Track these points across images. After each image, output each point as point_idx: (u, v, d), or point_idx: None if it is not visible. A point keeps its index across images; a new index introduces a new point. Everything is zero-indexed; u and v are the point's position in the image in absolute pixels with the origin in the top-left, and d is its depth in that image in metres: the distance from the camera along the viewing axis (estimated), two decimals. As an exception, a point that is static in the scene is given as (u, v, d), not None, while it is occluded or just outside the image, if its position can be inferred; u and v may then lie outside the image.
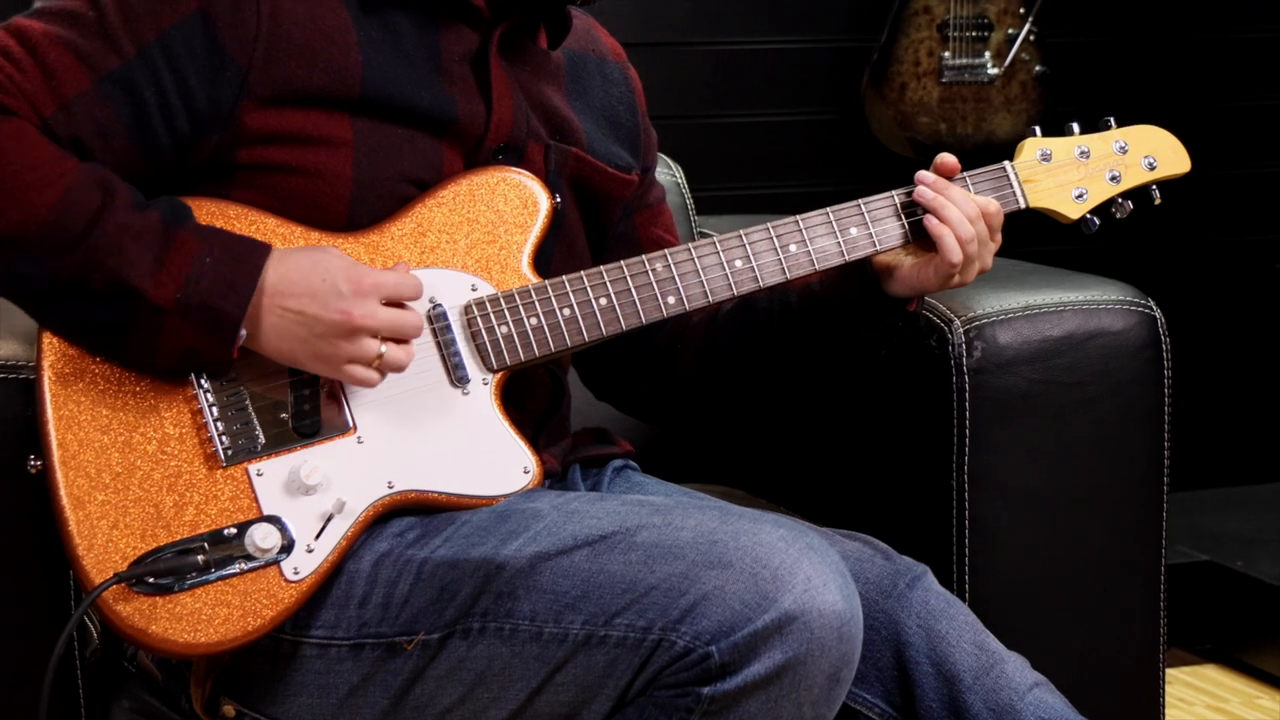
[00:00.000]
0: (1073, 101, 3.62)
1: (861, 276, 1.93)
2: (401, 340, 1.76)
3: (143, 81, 1.75)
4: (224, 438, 1.75)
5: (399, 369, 1.76)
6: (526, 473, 1.83)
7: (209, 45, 1.76)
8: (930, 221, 1.88)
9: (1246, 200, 3.88)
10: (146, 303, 1.70)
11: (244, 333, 1.73)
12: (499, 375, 1.83)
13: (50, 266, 1.70)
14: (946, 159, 1.92)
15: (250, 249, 1.73)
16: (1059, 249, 2.84)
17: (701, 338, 2.05)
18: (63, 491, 1.72)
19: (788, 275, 1.89)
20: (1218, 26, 3.82)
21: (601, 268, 1.85)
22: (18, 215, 1.68)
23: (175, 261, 1.70)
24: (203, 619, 1.72)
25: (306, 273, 1.73)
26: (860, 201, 1.91)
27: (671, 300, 1.87)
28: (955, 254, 1.87)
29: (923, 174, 1.91)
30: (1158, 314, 2.18)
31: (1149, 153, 2.00)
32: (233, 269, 1.71)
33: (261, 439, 1.76)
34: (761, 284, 1.89)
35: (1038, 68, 3.52)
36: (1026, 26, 3.49)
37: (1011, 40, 3.50)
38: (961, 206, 1.88)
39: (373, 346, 1.74)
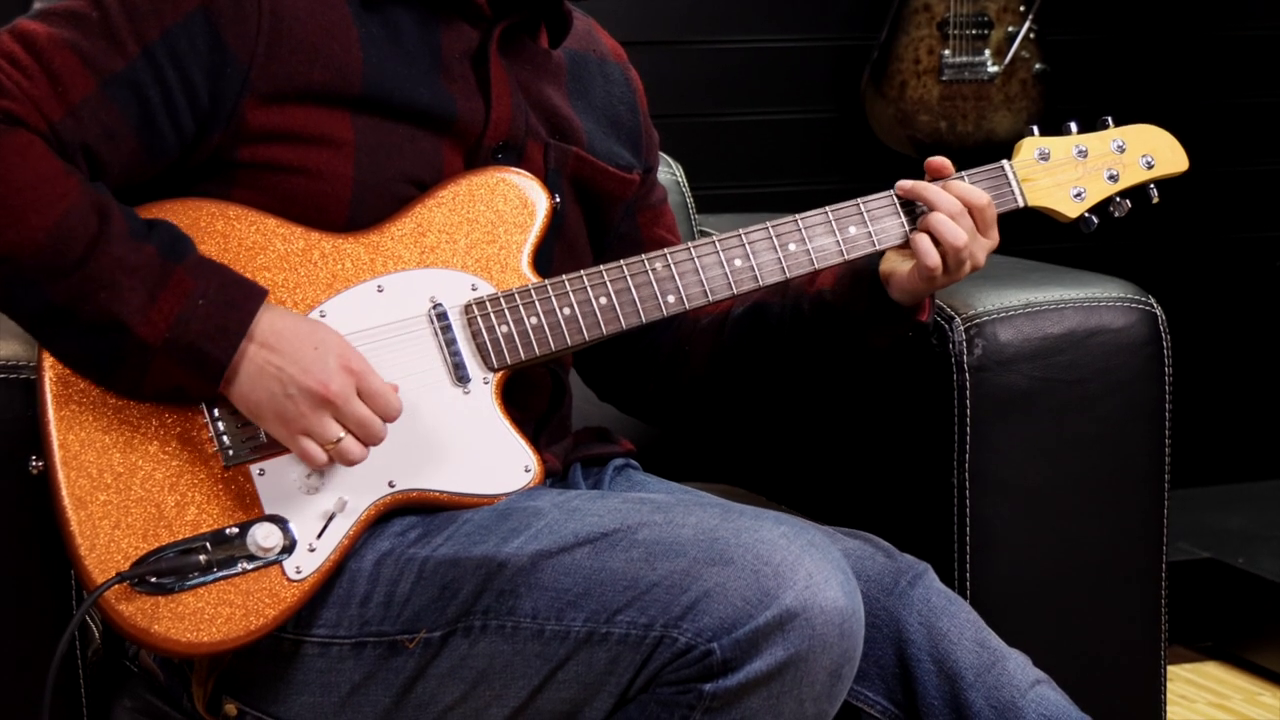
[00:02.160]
0: (1073, 99, 3.62)
1: (872, 285, 1.93)
2: (362, 440, 1.74)
3: (147, 81, 1.75)
4: (226, 437, 1.75)
5: (348, 463, 1.74)
6: (528, 471, 1.83)
7: (211, 42, 1.76)
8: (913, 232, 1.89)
9: (1247, 198, 3.88)
10: (135, 339, 1.70)
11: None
12: (500, 374, 1.83)
13: (43, 291, 1.69)
14: (936, 161, 1.92)
15: (245, 295, 1.73)
16: (1059, 247, 2.84)
17: (711, 341, 2.05)
18: (64, 491, 1.72)
19: (787, 274, 1.89)
20: (1217, 24, 3.82)
21: (601, 267, 1.85)
22: (14, 235, 1.68)
23: (168, 300, 1.70)
24: (205, 618, 1.72)
25: (302, 336, 1.73)
26: (859, 200, 1.91)
27: (671, 299, 1.87)
28: (931, 258, 1.87)
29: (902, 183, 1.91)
30: (1158, 311, 2.18)
31: (1147, 151, 2.00)
32: (225, 314, 1.71)
33: (263, 438, 1.76)
34: (761, 283, 1.89)
35: (1038, 65, 3.52)
36: (1026, 24, 3.49)
37: (1011, 38, 3.50)
38: (943, 207, 1.88)
39: (334, 429, 1.72)
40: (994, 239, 1.92)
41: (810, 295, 1.97)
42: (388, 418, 1.75)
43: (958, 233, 1.87)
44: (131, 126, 1.75)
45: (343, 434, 1.73)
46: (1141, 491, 2.18)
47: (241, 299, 1.73)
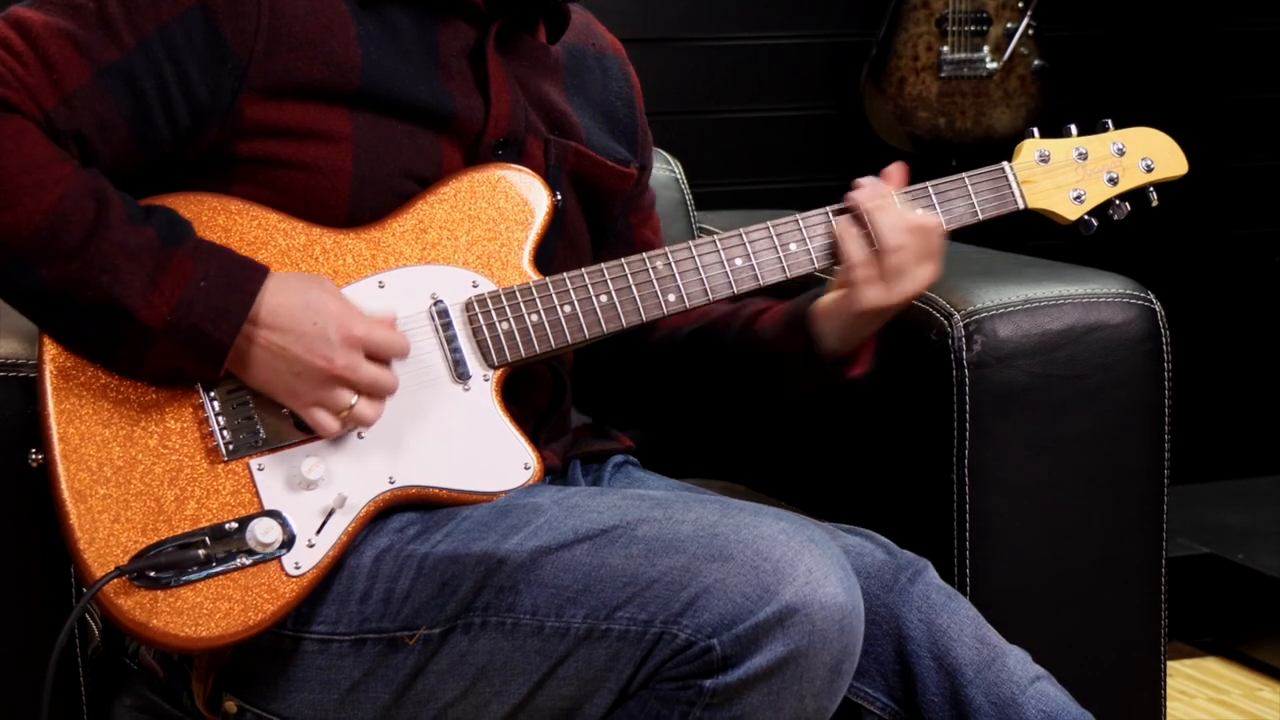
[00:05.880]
0: (1071, 96, 3.62)
1: (799, 330, 1.91)
2: (375, 397, 1.76)
3: (143, 73, 1.75)
4: (225, 432, 1.75)
5: (365, 425, 1.76)
6: (527, 469, 1.83)
7: (209, 38, 1.76)
8: (838, 223, 1.87)
9: (1246, 193, 3.88)
10: (136, 322, 1.70)
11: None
12: (500, 371, 1.83)
13: (42, 275, 1.69)
14: (893, 170, 1.90)
15: (246, 275, 1.73)
16: (1058, 243, 2.84)
17: (657, 358, 2.05)
18: (64, 485, 1.72)
19: (788, 274, 1.89)
20: (1216, 20, 3.82)
21: (602, 265, 1.86)
22: (10, 219, 1.68)
23: (169, 283, 1.70)
24: (204, 613, 1.72)
25: (299, 312, 1.73)
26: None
27: (672, 298, 1.87)
28: (858, 253, 1.85)
29: (858, 187, 1.88)
30: (1158, 307, 2.18)
31: (1146, 155, 2.00)
32: (226, 295, 1.71)
33: (263, 433, 1.76)
34: (761, 283, 1.89)
35: (1036, 62, 3.52)
36: (1025, 21, 3.49)
37: (1010, 34, 3.50)
38: (891, 217, 1.86)
39: (345, 398, 1.74)
40: (937, 264, 1.87)
41: (745, 322, 1.96)
42: (401, 357, 1.76)
43: (896, 239, 1.83)
44: (125, 118, 1.75)
45: (354, 400, 1.74)
46: (1141, 487, 2.19)
47: (242, 281, 1.73)
